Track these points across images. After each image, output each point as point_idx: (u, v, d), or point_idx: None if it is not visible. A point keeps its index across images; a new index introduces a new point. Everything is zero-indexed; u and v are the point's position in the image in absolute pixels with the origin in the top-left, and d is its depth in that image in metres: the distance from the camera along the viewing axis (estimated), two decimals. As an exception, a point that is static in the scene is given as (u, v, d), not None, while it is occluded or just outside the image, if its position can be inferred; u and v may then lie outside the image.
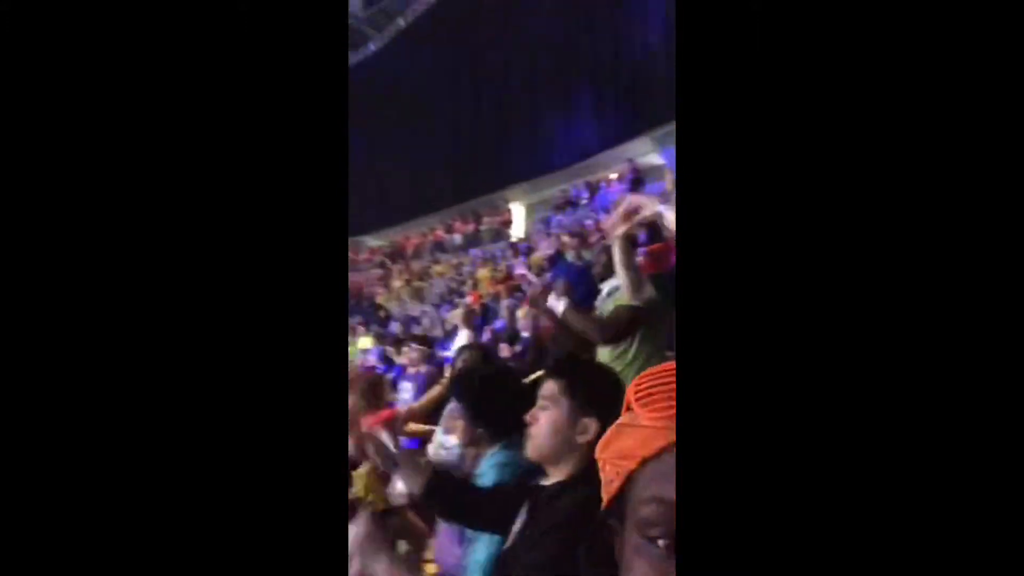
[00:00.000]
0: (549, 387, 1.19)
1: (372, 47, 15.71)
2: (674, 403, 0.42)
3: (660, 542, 0.39)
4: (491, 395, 1.53)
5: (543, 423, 1.17)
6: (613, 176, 10.48)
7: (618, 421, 0.46)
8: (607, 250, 2.07)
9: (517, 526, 1.19)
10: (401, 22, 15.06)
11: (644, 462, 0.42)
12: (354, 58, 15.20)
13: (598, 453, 0.48)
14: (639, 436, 0.43)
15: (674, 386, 0.42)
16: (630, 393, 0.45)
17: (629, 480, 0.43)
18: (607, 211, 9.17)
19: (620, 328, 1.94)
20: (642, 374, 0.46)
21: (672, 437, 0.41)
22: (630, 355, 1.96)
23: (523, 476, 1.33)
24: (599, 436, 1.14)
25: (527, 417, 1.20)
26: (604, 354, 2.00)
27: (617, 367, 1.85)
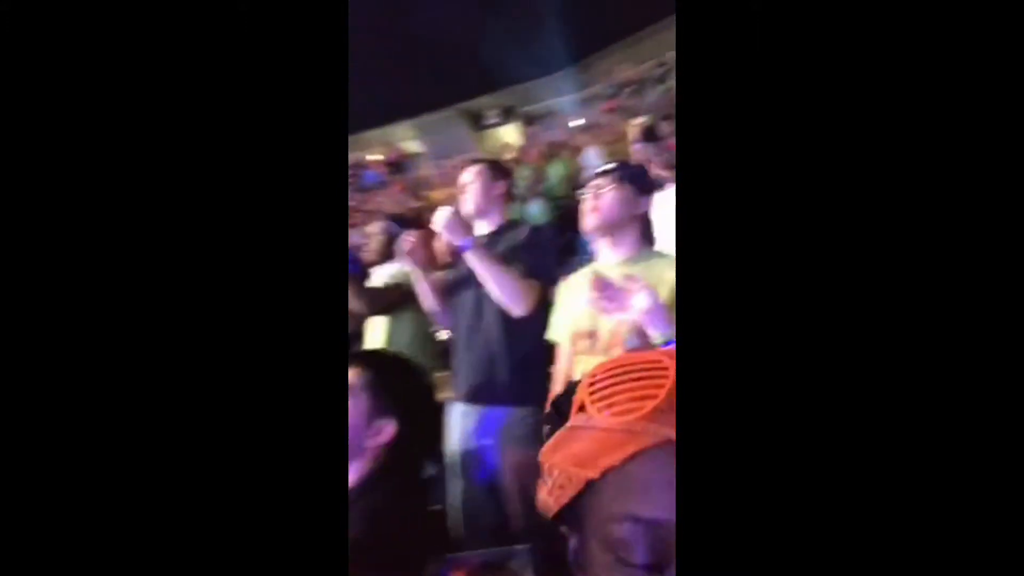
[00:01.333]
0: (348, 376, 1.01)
1: None
2: (642, 405, 0.37)
3: (638, 564, 0.36)
4: None
5: None
6: (374, 158, 11.40)
7: (570, 423, 0.42)
8: (372, 237, 2.33)
9: None
10: None
11: (606, 472, 0.37)
12: None
13: (545, 457, 0.42)
14: (599, 441, 0.38)
15: (639, 385, 0.39)
16: (583, 392, 0.41)
17: (589, 490, 0.39)
18: (365, 191, 9.52)
19: (385, 299, 2.00)
20: (594, 370, 0.41)
21: (641, 444, 0.37)
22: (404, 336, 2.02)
23: None
24: (395, 441, 1.04)
25: None
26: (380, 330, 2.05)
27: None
